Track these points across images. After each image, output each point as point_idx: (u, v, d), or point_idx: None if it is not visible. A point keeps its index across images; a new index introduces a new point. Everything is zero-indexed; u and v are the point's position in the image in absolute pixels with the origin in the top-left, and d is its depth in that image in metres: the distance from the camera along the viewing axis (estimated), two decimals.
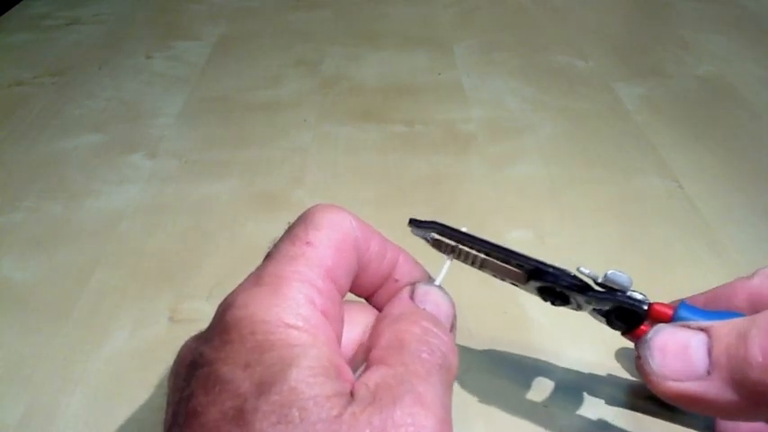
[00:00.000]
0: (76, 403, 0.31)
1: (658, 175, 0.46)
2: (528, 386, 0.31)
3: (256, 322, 0.20)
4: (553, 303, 0.27)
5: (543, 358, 0.32)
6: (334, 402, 0.18)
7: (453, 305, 0.25)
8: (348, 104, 0.56)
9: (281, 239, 0.23)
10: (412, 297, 0.24)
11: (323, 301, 0.21)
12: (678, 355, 0.21)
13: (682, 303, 0.25)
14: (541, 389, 0.31)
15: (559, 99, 0.56)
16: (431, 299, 0.24)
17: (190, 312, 0.36)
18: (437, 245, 0.27)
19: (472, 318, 0.35)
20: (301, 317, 0.20)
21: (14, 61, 0.65)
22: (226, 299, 0.21)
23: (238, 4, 0.78)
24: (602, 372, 0.32)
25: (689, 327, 0.21)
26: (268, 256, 0.23)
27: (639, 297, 0.25)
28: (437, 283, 0.26)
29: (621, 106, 0.55)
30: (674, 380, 0.21)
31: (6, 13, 0.77)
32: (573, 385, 0.31)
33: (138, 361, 0.33)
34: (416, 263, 0.27)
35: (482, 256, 0.27)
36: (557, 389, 0.31)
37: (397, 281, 0.25)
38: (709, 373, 0.20)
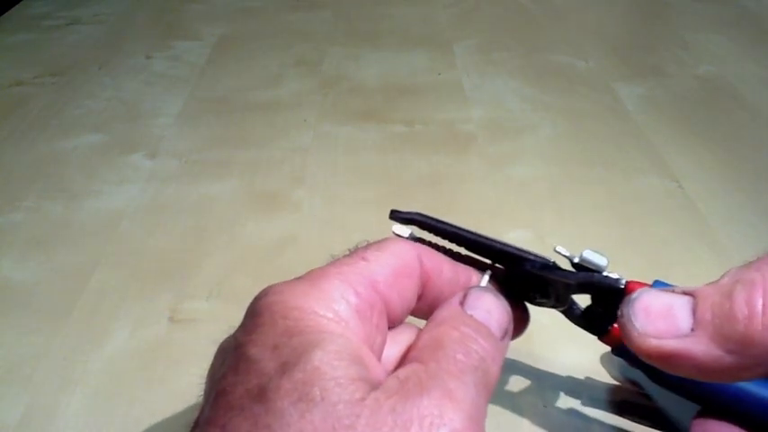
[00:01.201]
0: (76, 403, 0.31)
1: (658, 175, 0.46)
2: (527, 386, 0.31)
3: (288, 308, 0.20)
4: (533, 300, 0.26)
5: (543, 358, 0.32)
6: (357, 386, 0.18)
7: (508, 312, 0.23)
8: (348, 104, 0.56)
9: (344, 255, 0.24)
10: (462, 302, 0.23)
11: (359, 303, 0.21)
12: (662, 314, 0.20)
13: (656, 282, 0.24)
14: (541, 389, 0.31)
15: (559, 99, 0.56)
16: (482, 305, 0.23)
17: (190, 312, 0.36)
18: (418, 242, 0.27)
19: None
20: (333, 310, 0.20)
21: (14, 61, 0.65)
22: (266, 288, 0.22)
23: (238, 4, 0.78)
24: (602, 372, 0.32)
25: (673, 291, 0.21)
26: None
27: (616, 276, 0.25)
28: (485, 279, 0.25)
29: (621, 106, 0.55)
30: (656, 337, 0.20)
31: (6, 13, 0.77)
32: (573, 385, 0.31)
33: (138, 361, 0.33)
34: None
35: (463, 252, 0.27)
36: (556, 389, 0.31)
37: None
38: (692, 330, 0.19)
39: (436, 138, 0.51)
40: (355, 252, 0.23)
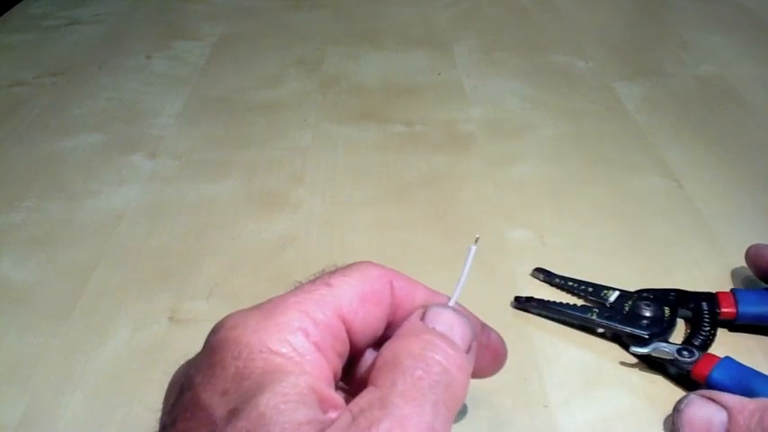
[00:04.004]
0: (76, 403, 0.31)
1: (658, 174, 0.46)
2: (528, 386, 0.31)
3: (240, 345, 0.19)
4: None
5: (543, 358, 0.32)
6: (304, 430, 0.17)
7: (471, 328, 0.22)
8: (348, 104, 0.56)
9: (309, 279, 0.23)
10: (423, 318, 0.22)
11: (318, 333, 0.20)
12: (703, 428, 0.26)
13: (726, 358, 0.30)
14: (541, 388, 0.31)
15: (559, 99, 0.56)
16: (443, 320, 0.22)
17: (190, 312, 0.36)
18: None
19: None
20: (288, 344, 0.19)
21: (14, 61, 0.65)
22: (224, 318, 0.21)
23: (238, 4, 0.78)
24: (601, 372, 0.32)
25: (714, 400, 0.27)
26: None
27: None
28: (453, 299, 0.24)
29: (621, 106, 0.55)
30: None
31: (6, 13, 0.77)
32: (572, 385, 0.31)
33: (138, 361, 0.33)
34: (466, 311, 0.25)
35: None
36: (556, 388, 0.31)
37: None
38: None
39: (436, 138, 0.51)
40: (320, 277, 0.22)
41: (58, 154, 0.50)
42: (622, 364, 0.32)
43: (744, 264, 0.36)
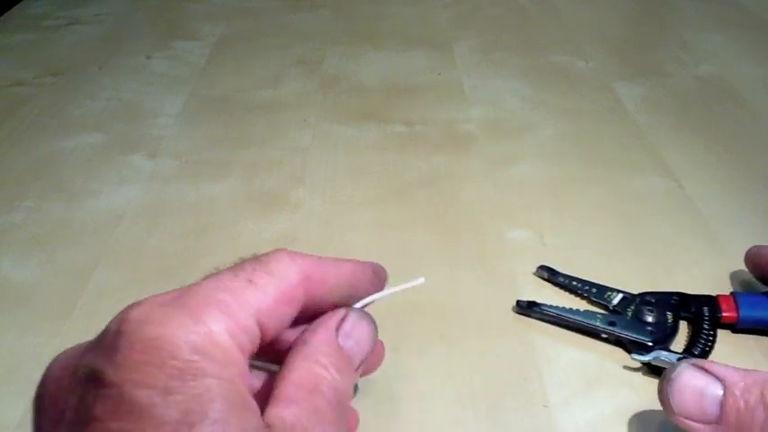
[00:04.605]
0: None
1: (658, 174, 0.46)
2: (528, 386, 0.31)
3: (175, 345, 0.19)
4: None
5: (543, 358, 0.32)
6: None
7: (374, 340, 0.25)
8: (348, 104, 0.56)
9: (227, 268, 0.23)
10: (339, 326, 0.24)
11: (241, 337, 0.21)
12: (694, 399, 0.24)
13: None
14: (541, 388, 0.31)
15: (559, 99, 0.56)
16: (356, 335, 0.24)
17: None
18: None
19: (473, 318, 0.35)
20: (220, 348, 0.20)
21: (14, 61, 0.65)
22: (132, 308, 0.20)
23: (238, 4, 0.78)
24: (602, 372, 0.32)
25: (707, 371, 0.25)
26: (205, 279, 0.22)
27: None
28: (365, 301, 0.26)
29: (621, 106, 0.55)
30: (688, 419, 0.24)
31: (6, 13, 0.77)
32: (573, 385, 0.31)
33: None
34: (375, 277, 0.27)
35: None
36: (556, 388, 0.31)
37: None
38: (718, 423, 0.24)
39: (436, 138, 0.51)
40: (241, 270, 0.22)
41: (58, 154, 0.50)
42: (624, 367, 0.32)
43: (744, 265, 0.36)
